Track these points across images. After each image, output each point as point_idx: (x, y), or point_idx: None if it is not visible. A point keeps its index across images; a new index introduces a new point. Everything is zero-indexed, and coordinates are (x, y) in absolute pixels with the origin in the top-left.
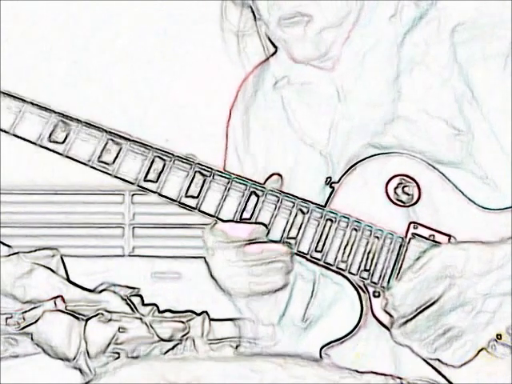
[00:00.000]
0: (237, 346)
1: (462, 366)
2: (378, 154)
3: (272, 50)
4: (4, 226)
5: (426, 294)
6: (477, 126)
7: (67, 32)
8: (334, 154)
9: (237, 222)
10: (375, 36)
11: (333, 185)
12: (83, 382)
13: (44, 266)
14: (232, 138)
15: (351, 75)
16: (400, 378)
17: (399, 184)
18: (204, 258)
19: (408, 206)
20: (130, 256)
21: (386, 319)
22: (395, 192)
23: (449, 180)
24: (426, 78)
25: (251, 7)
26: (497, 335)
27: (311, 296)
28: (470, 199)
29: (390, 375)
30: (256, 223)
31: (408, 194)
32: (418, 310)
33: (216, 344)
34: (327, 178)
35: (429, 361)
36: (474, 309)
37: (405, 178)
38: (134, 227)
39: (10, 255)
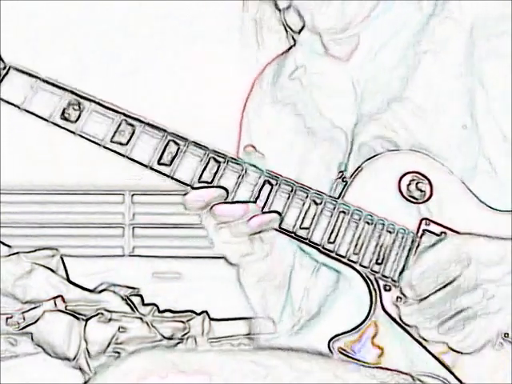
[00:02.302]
0: (239, 344)
1: (469, 353)
2: (392, 151)
3: (290, 42)
4: (4, 226)
5: (442, 275)
6: (487, 123)
7: (77, 25)
8: (356, 140)
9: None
10: (394, 26)
11: (345, 179)
12: (84, 380)
13: (44, 266)
14: (246, 128)
15: (366, 68)
16: (407, 374)
17: (412, 180)
18: (204, 257)
19: (420, 203)
20: (130, 256)
21: (395, 313)
22: (408, 188)
23: (461, 180)
24: (440, 72)
25: None
26: (504, 334)
27: (310, 287)
28: (480, 200)
29: (396, 370)
30: (247, 202)
31: (421, 191)
32: (434, 290)
33: (217, 343)
34: (339, 173)
35: (436, 352)
36: (486, 293)
37: (418, 175)
38: (134, 227)
39: (9, 255)
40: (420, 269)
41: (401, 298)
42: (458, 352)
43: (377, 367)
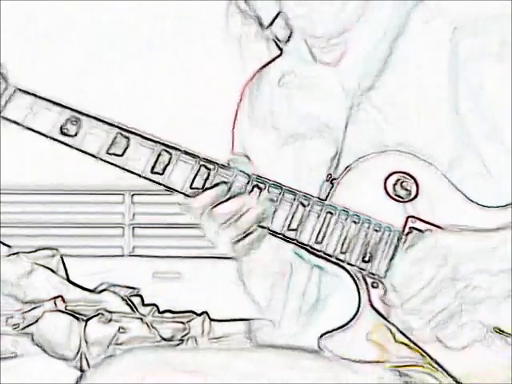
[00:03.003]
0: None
1: (462, 349)
2: (378, 152)
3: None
4: (4, 226)
5: (421, 276)
6: (474, 122)
7: (74, 30)
8: (346, 143)
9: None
10: (380, 29)
11: (333, 181)
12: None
13: (44, 266)
14: (238, 136)
15: (355, 71)
16: (397, 371)
17: (398, 180)
18: (204, 257)
19: (406, 202)
20: (130, 256)
21: (384, 310)
22: (394, 188)
23: (446, 178)
24: (424, 74)
25: (254, 11)
26: (494, 329)
27: (306, 287)
28: (467, 197)
29: (393, 368)
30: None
31: (406, 190)
32: (416, 292)
33: (217, 343)
34: (328, 175)
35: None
36: (468, 285)
37: (403, 174)
38: (134, 227)
39: (9, 255)
40: (400, 274)
41: (377, 284)
42: (451, 348)
43: (365, 362)
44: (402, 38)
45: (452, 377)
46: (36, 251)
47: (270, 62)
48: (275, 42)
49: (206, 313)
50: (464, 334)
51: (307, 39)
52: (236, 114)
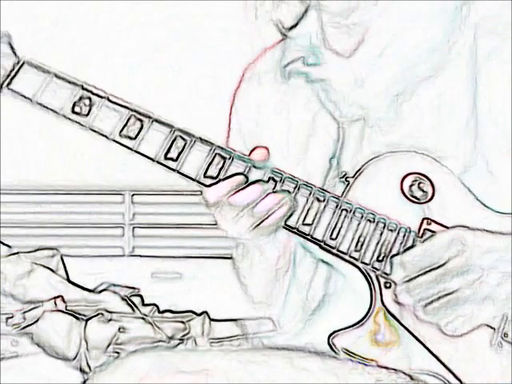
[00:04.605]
0: (238, 345)
1: (457, 337)
2: (393, 152)
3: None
4: (4, 226)
5: (434, 257)
6: (487, 123)
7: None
8: (357, 142)
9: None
10: (404, 20)
11: (348, 179)
12: (83, 380)
13: (44, 266)
14: (236, 120)
15: (370, 65)
16: (405, 373)
17: (414, 181)
18: (204, 257)
19: (422, 203)
20: (130, 256)
21: (396, 311)
22: (410, 189)
23: (461, 181)
24: (444, 72)
25: None
26: (504, 333)
27: (310, 284)
28: (481, 202)
29: (395, 369)
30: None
31: (423, 191)
32: (424, 270)
33: (217, 343)
34: (342, 172)
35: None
36: (477, 279)
37: (420, 175)
38: (134, 227)
39: (9, 255)
40: (413, 253)
41: (390, 284)
42: (445, 334)
43: (376, 366)
44: (424, 34)
45: (460, 380)
46: (36, 251)
47: (273, 46)
48: (279, 28)
49: (206, 313)
50: (460, 323)
51: (322, 17)
52: (233, 98)
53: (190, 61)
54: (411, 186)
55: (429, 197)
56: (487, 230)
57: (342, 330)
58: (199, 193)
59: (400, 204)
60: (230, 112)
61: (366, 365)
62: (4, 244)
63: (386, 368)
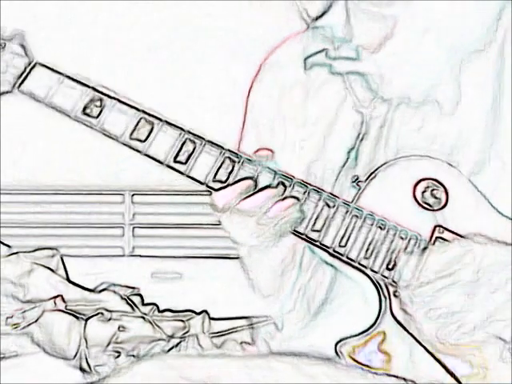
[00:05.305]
0: (241, 343)
1: (454, 344)
2: (408, 156)
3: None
4: (4, 226)
5: (443, 269)
6: (501, 129)
7: (65, 30)
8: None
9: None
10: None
11: (359, 183)
12: (84, 381)
13: (44, 266)
14: (252, 113)
15: (398, 60)
16: (412, 381)
17: (427, 187)
18: (204, 257)
19: (435, 210)
20: (130, 256)
21: (404, 320)
22: (423, 195)
23: (476, 187)
24: (478, 70)
25: None
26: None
27: (316, 287)
28: (495, 207)
29: (403, 378)
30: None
31: (436, 198)
32: (432, 279)
33: (218, 338)
34: (354, 177)
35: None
36: (482, 294)
37: (433, 181)
38: (134, 227)
39: (9, 255)
40: (424, 261)
41: (399, 293)
42: (445, 341)
43: (383, 374)
44: (446, 36)
45: None
46: (36, 251)
47: (295, 35)
48: (304, 17)
49: (206, 311)
50: (462, 334)
51: (349, 8)
52: (250, 89)
53: (193, 61)
54: (424, 192)
55: (442, 204)
56: (501, 241)
57: (349, 337)
58: (199, 193)
59: (412, 211)
60: (245, 106)
61: (376, 373)
62: (4, 244)
63: (394, 376)
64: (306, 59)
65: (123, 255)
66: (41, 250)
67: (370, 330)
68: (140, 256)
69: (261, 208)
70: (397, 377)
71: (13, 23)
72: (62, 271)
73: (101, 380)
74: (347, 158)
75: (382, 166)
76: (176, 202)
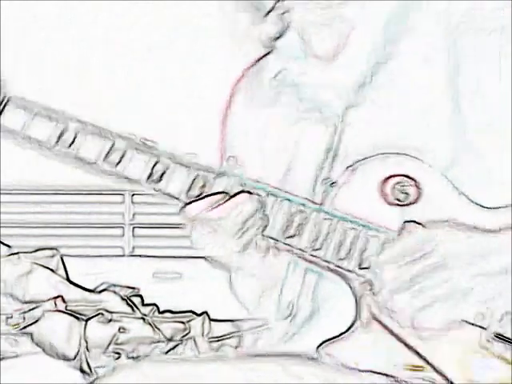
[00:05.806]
0: (236, 347)
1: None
2: (377, 155)
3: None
4: (4, 226)
5: (409, 255)
6: (474, 121)
7: (65, 30)
8: (342, 144)
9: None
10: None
11: (332, 184)
12: (83, 382)
13: (44, 266)
14: (231, 131)
15: (351, 69)
16: (393, 377)
17: (397, 183)
18: (204, 257)
19: (406, 205)
20: (130, 256)
21: (384, 318)
22: (393, 191)
23: (448, 179)
24: (423, 72)
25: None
26: (496, 334)
27: (300, 292)
28: (469, 198)
29: (392, 376)
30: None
31: (406, 193)
32: (400, 267)
33: (216, 343)
34: (326, 179)
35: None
36: (453, 278)
37: (403, 177)
38: (134, 227)
39: (9, 255)
40: (387, 252)
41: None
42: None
43: (369, 371)
44: (402, 37)
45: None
46: (36, 251)
47: (259, 60)
48: (264, 42)
49: (206, 313)
50: (439, 320)
51: (301, 30)
52: (226, 113)
53: (193, 61)
54: (394, 188)
55: (413, 199)
56: (473, 227)
57: (329, 340)
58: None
59: (383, 207)
60: (223, 122)
61: (361, 370)
62: (4, 244)
63: (380, 373)
64: (271, 80)
65: (123, 255)
66: (41, 250)
67: (349, 331)
68: (140, 256)
69: (224, 216)
70: (386, 375)
71: (13, 23)
72: (62, 271)
73: (98, 380)
74: (323, 160)
75: (351, 165)
76: (176, 202)
